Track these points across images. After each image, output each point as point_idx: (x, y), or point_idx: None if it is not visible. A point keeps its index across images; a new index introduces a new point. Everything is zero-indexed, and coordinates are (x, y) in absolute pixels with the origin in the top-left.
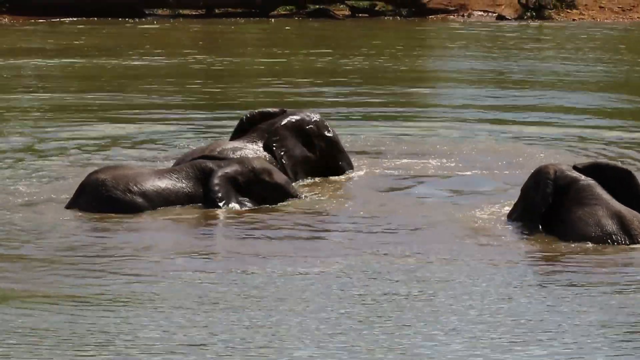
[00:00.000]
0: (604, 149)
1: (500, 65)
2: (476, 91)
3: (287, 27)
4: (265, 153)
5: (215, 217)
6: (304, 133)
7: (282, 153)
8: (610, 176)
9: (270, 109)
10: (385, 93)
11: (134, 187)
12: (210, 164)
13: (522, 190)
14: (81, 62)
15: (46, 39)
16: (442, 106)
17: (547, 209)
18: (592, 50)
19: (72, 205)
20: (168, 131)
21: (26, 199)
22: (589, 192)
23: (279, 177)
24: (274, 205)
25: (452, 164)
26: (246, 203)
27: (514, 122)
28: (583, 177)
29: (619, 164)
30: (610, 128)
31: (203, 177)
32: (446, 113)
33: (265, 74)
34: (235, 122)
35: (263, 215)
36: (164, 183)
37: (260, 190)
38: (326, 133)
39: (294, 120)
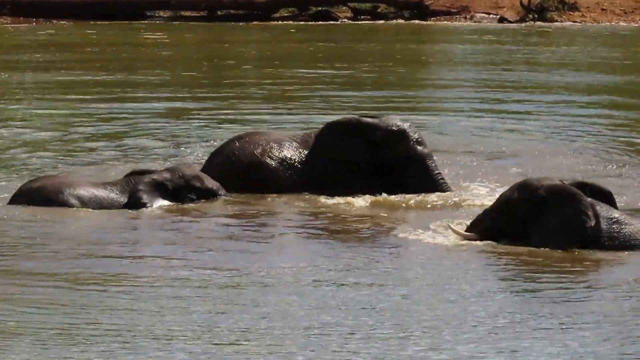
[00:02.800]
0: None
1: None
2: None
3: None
4: (294, 146)
5: (138, 218)
6: (370, 138)
7: (332, 153)
8: (593, 193)
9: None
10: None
11: (68, 190)
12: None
13: (506, 202)
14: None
15: (47, 41)
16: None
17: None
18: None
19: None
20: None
21: None
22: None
23: (211, 182)
24: (199, 207)
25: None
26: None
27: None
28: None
29: (602, 185)
30: None
31: None
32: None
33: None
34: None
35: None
36: (98, 192)
37: (192, 196)
38: (402, 142)
39: (358, 121)
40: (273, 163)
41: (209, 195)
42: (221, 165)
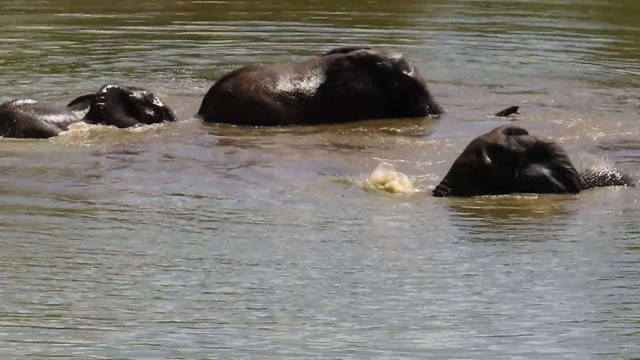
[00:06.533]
0: None
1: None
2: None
3: None
4: (300, 81)
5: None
6: (374, 69)
7: (337, 84)
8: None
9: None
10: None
11: (41, 115)
12: None
13: (479, 168)
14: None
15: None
16: None
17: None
18: None
19: None
20: None
21: None
22: None
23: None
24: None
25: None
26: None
27: None
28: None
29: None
30: None
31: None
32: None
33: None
34: None
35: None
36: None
37: (151, 112)
38: (404, 72)
39: (364, 54)
40: (270, 99)
41: (163, 112)
42: (220, 100)
